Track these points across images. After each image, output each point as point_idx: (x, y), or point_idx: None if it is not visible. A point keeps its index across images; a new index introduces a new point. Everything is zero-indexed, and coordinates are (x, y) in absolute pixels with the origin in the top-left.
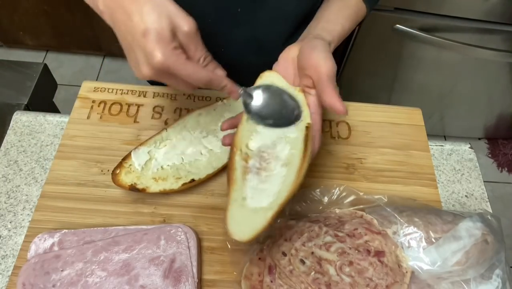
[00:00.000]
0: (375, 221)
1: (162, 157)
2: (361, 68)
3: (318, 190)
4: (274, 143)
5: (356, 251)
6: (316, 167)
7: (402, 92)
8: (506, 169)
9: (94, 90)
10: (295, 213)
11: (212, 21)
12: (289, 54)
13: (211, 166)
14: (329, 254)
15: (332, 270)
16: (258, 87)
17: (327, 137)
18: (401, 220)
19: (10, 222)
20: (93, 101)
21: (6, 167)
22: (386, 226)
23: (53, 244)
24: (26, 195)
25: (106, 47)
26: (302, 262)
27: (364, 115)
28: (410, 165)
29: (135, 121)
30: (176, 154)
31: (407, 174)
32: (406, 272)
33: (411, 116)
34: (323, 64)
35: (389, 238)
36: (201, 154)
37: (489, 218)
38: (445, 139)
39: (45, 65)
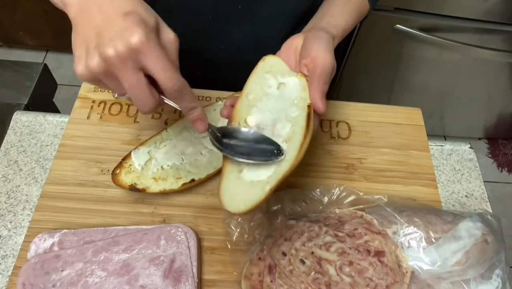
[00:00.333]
0: (375, 221)
1: (162, 157)
2: (361, 68)
3: (318, 190)
4: (274, 121)
5: (356, 251)
6: (316, 166)
7: (402, 92)
8: (506, 169)
9: (94, 90)
10: (295, 213)
11: (212, 18)
12: (293, 43)
13: (211, 166)
14: (329, 254)
15: (332, 270)
16: (227, 128)
17: (327, 137)
18: (401, 220)
19: (10, 222)
20: (93, 101)
21: (6, 167)
22: (386, 226)
23: (53, 244)
24: (26, 195)
25: None
26: (302, 262)
27: (364, 115)
28: (410, 165)
29: (135, 121)
30: (176, 154)
31: (407, 174)
32: (406, 272)
33: (411, 116)
34: (321, 56)
35: (389, 238)
36: (201, 154)
37: (489, 218)
38: (445, 139)
39: (45, 65)
